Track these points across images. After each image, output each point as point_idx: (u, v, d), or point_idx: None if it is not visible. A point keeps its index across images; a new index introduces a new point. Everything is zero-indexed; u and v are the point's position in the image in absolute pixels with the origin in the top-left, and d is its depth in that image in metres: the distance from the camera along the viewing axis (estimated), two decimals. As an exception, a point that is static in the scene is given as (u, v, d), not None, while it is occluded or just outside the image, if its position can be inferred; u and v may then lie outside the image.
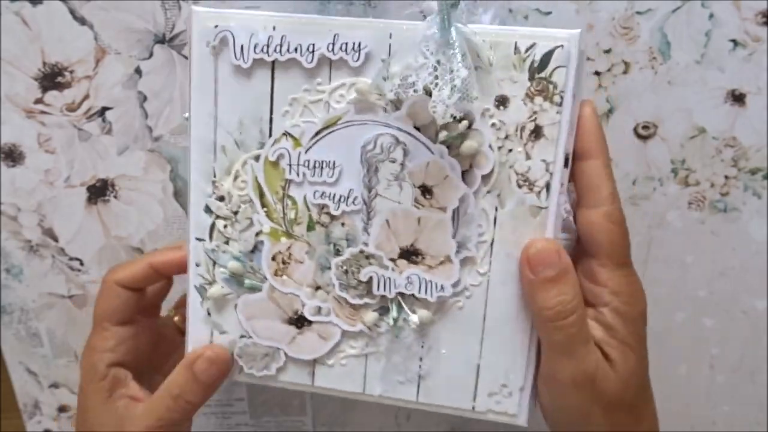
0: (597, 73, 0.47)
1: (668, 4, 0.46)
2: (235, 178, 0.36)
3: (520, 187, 0.34)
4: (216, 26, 0.34)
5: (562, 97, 0.33)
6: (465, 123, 0.33)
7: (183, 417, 0.37)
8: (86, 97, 0.47)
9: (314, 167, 0.35)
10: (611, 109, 0.48)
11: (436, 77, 0.31)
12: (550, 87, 0.33)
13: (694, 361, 0.55)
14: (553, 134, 0.33)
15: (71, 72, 0.46)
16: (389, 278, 0.36)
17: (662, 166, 0.50)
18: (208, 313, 0.38)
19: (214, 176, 0.36)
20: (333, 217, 0.36)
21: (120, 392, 0.38)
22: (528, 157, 0.34)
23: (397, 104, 0.34)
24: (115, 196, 0.49)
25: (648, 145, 0.49)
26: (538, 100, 0.33)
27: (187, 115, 0.38)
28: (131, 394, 0.38)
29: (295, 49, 0.34)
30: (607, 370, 0.34)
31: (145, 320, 0.41)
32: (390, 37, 0.34)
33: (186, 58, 0.46)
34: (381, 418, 0.56)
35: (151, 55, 0.46)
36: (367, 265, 0.36)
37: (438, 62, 0.32)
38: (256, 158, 0.36)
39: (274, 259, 0.37)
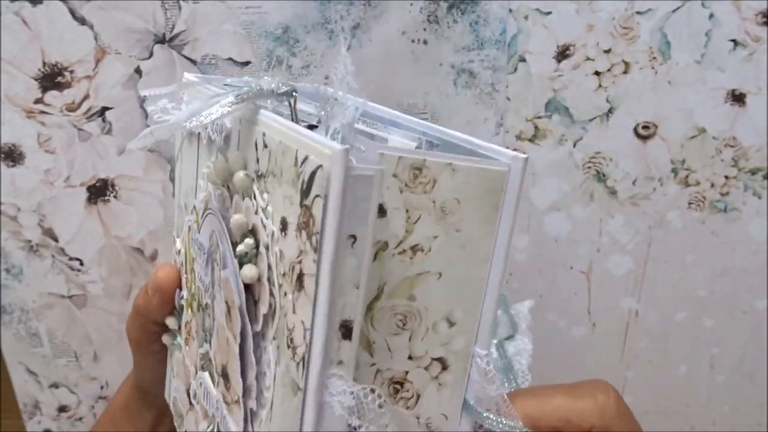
0: (597, 73, 0.47)
1: (668, 4, 0.46)
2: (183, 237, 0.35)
3: (288, 347, 0.24)
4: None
5: (319, 240, 0.22)
6: (251, 242, 0.25)
7: (137, 315, 0.37)
8: (86, 97, 0.47)
9: (198, 248, 0.30)
10: (611, 109, 0.48)
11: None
12: (310, 222, 0.22)
13: (694, 361, 0.55)
14: (310, 290, 0.22)
15: (71, 72, 0.46)
16: (210, 393, 0.30)
17: (662, 166, 0.50)
18: (171, 355, 0.37)
19: (179, 232, 0.36)
20: (206, 305, 0.30)
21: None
22: (294, 310, 0.23)
23: (232, 197, 0.28)
24: (115, 196, 0.49)
25: (648, 145, 0.49)
26: (303, 236, 0.22)
27: None
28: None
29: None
30: None
31: None
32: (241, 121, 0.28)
33: (187, 58, 0.46)
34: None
35: (151, 55, 0.46)
36: (207, 369, 0.30)
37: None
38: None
39: (186, 326, 0.34)
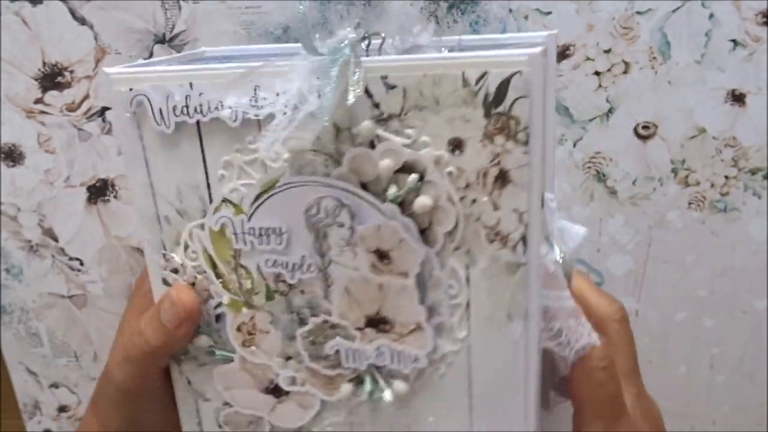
0: (597, 73, 0.47)
1: (668, 4, 0.46)
2: (186, 248, 0.32)
3: (491, 242, 0.29)
4: (131, 89, 0.30)
5: (528, 134, 0.27)
6: (414, 176, 0.28)
7: (146, 358, 0.34)
8: (86, 97, 0.47)
9: (260, 235, 0.31)
10: (611, 109, 0.48)
11: (287, 108, 0.28)
12: (512, 123, 0.27)
13: (694, 361, 0.55)
14: (522, 178, 0.27)
15: (71, 72, 0.46)
16: (357, 350, 0.32)
17: (662, 166, 0.50)
18: (188, 382, 0.35)
19: (164, 248, 0.33)
20: (291, 286, 0.32)
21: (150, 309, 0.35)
22: (496, 207, 0.28)
23: (337, 159, 0.29)
24: (115, 196, 0.49)
25: (648, 145, 0.49)
26: (499, 140, 0.27)
27: None
28: None
29: (216, 108, 0.29)
30: None
31: None
32: (318, 80, 0.29)
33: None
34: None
35: (151, 55, 0.46)
36: (333, 336, 0.32)
37: (298, 91, 0.28)
38: (202, 227, 0.32)
39: (239, 329, 0.33)
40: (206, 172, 0.31)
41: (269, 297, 0.32)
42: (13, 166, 0.48)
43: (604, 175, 0.50)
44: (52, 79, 0.47)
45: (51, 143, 0.48)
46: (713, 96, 0.48)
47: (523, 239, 0.28)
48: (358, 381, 0.33)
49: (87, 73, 0.46)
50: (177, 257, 0.32)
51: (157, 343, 0.33)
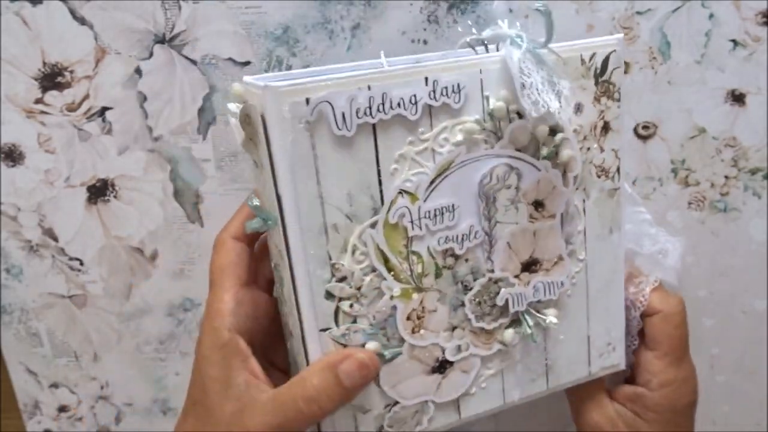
0: (597, 73, 0.47)
1: (668, 4, 0.46)
2: (353, 252, 0.34)
3: (599, 177, 0.39)
4: (308, 100, 0.31)
5: (619, 93, 0.38)
6: (560, 135, 0.36)
7: (310, 423, 0.33)
8: (86, 97, 0.47)
9: (435, 216, 0.35)
10: (611, 109, 0.48)
11: (543, 92, 0.34)
12: (611, 87, 0.38)
13: (694, 361, 0.55)
14: (617, 125, 0.39)
15: (71, 72, 0.46)
16: (519, 293, 0.38)
17: (662, 166, 0.50)
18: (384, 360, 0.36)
19: (330, 259, 0.33)
20: (457, 257, 0.36)
21: (239, 364, 0.34)
22: (602, 150, 0.39)
23: (498, 134, 0.35)
24: (115, 196, 0.49)
25: (648, 145, 0.49)
26: (604, 100, 0.38)
27: (256, 202, 0.35)
28: (252, 369, 0.34)
29: (399, 104, 0.32)
30: None
31: (261, 292, 0.38)
32: (480, 73, 0.34)
33: (187, 58, 0.46)
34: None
35: (151, 55, 0.46)
36: (498, 290, 0.38)
37: (543, 78, 0.34)
38: (373, 225, 0.34)
39: (408, 318, 0.36)
40: (378, 170, 0.33)
41: (438, 275, 0.36)
42: (13, 166, 0.48)
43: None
44: (52, 79, 0.47)
45: (51, 143, 0.48)
46: (713, 96, 0.48)
47: (618, 169, 0.40)
48: (516, 325, 0.39)
49: (87, 73, 0.46)
50: (346, 264, 0.34)
51: (332, 409, 0.33)
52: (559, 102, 0.34)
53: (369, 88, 0.31)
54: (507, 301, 0.38)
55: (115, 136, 0.48)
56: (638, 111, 0.49)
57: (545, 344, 0.40)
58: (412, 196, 0.34)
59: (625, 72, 0.47)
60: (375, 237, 0.34)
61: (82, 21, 0.45)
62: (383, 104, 0.32)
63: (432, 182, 0.34)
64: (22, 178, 0.49)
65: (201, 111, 0.48)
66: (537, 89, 0.34)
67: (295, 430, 0.33)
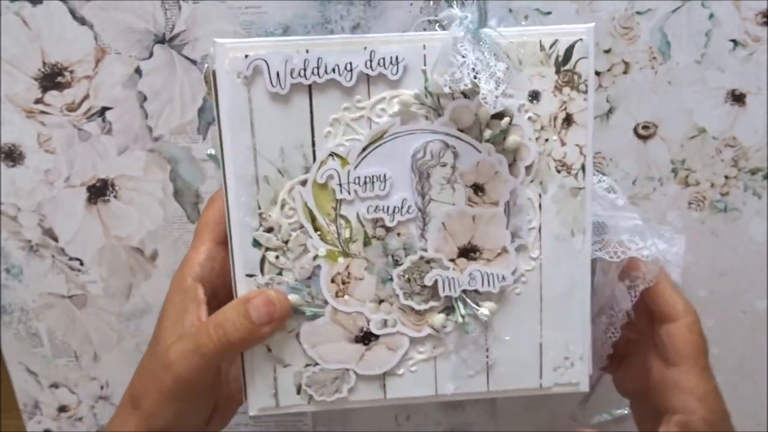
0: (597, 73, 0.47)
1: (668, 4, 0.46)
2: (282, 206, 0.36)
3: (558, 172, 0.37)
4: (247, 56, 0.34)
5: (587, 85, 0.36)
6: (507, 119, 0.35)
7: (221, 351, 0.35)
8: (86, 97, 0.47)
9: (365, 183, 0.36)
10: (611, 109, 0.48)
11: (477, 72, 0.33)
12: (575, 77, 0.36)
13: (694, 361, 0.55)
14: (582, 120, 0.37)
15: (71, 72, 0.46)
16: (452, 278, 0.37)
17: (662, 166, 0.50)
18: (268, 350, 0.37)
19: (260, 208, 0.36)
20: (388, 229, 0.36)
21: (192, 309, 0.37)
22: (563, 143, 0.37)
23: (439, 111, 0.35)
24: (115, 196, 0.49)
25: (648, 145, 0.49)
26: (566, 90, 0.36)
27: (211, 151, 0.37)
28: (201, 315, 0.37)
29: (333, 70, 0.34)
30: None
31: None
32: (423, 48, 0.35)
33: (187, 58, 0.46)
34: (381, 417, 0.56)
35: (151, 55, 0.46)
36: (429, 270, 0.37)
37: (477, 59, 0.33)
38: (303, 183, 0.36)
39: (333, 281, 0.37)
40: (312, 131, 0.35)
41: (366, 243, 0.37)
42: (13, 166, 0.48)
43: (604, 175, 0.50)
44: (52, 79, 0.47)
45: (51, 143, 0.48)
46: (713, 96, 0.48)
47: (583, 167, 0.37)
48: (448, 311, 0.38)
49: (87, 73, 0.46)
50: (273, 216, 0.36)
51: (236, 339, 0.34)
52: (497, 85, 0.33)
53: (307, 51, 0.34)
54: (436, 282, 0.37)
55: (115, 136, 0.48)
56: (638, 111, 0.49)
57: (486, 340, 0.38)
58: (343, 160, 0.35)
59: (625, 72, 0.47)
60: (303, 194, 0.36)
61: (82, 21, 0.45)
62: (318, 68, 0.34)
63: (364, 149, 0.35)
64: (22, 178, 0.49)
65: (201, 111, 0.48)
66: (471, 69, 0.33)
67: (209, 357, 0.34)
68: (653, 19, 0.46)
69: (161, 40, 0.46)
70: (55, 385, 0.55)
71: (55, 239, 0.50)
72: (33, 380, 0.55)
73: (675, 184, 0.50)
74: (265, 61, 0.34)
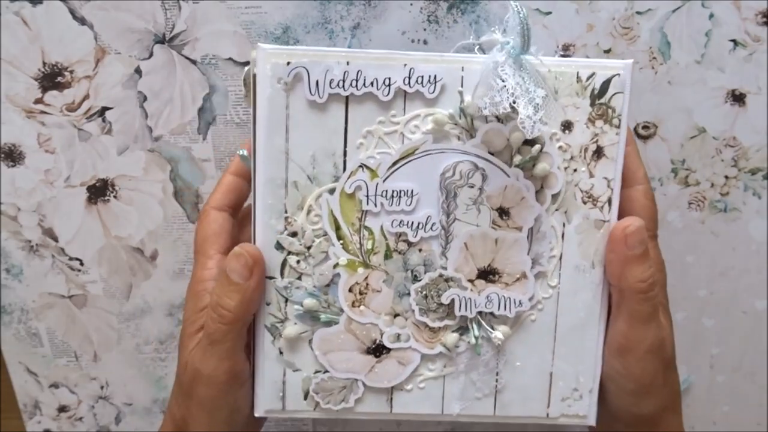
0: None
1: (668, 4, 0.46)
2: (308, 212, 0.36)
3: (584, 203, 0.37)
4: (289, 63, 0.34)
5: (620, 120, 0.37)
6: (538, 147, 0.36)
7: (228, 331, 0.35)
8: (86, 97, 0.47)
9: (392, 197, 0.36)
10: (611, 109, 0.48)
11: (516, 97, 0.33)
12: (609, 111, 0.36)
13: (694, 361, 0.55)
14: (613, 153, 0.37)
15: (71, 72, 0.46)
16: (469, 299, 0.37)
17: (662, 166, 0.50)
18: (280, 352, 0.38)
19: (286, 212, 0.36)
20: (410, 244, 0.37)
21: None
22: (591, 175, 0.37)
23: (471, 132, 0.36)
24: (115, 196, 0.50)
25: (648, 145, 0.49)
26: (599, 123, 0.36)
27: (244, 152, 0.38)
28: None
29: (371, 83, 0.35)
30: (668, 333, 0.39)
31: None
32: (462, 70, 0.35)
33: (187, 58, 0.46)
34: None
35: (151, 55, 0.46)
36: (447, 289, 0.37)
37: (517, 84, 0.33)
38: (331, 191, 0.36)
39: (350, 290, 0.37)
40: (345, 141, 0.36)
41: (387, 256, 0.37)
42: (13, 166, 0.48)
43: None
44: (52, 79, 0.47)
45: (51, 143, 0.48)
46: (713, 96, 0.48)
47: (609, 201, 0.37)
48: (462, 331, 0.38)
49: (87, 73, 0.46)
50: (299, 221, 0.36)
51: (234, 304, 0.35)
52: (535, 111, 0.34)
53: (347, 63, 0.34)
54: (453, 301, 0.37)
55: (115, 136, 0.48)
56: (638, 111, 0.49)
57: (497, 364, 0.39)
58: (372, 173, 0.36)
59: (625, 72, 0.47)
60: (330, 202, 0.36)
61: (82, 21, 0.45)
62: (357, 80, 0.35)
63: (394, 164, 0.36)
64: (22, 178, 0.49)
65: (201, 111, 0.48)
66: (511, 93, 0.33)
67: (221, 339, 0.35)
68: (653, 19, 0.46)
69: (161, 40, 0.46)
70: (55, 385, 0.55)
71: (55, 239, 0.50)
72: (33, 380, 0.55)
73: (675, 184, 0.50)
74: (306, 69, 0.34)
